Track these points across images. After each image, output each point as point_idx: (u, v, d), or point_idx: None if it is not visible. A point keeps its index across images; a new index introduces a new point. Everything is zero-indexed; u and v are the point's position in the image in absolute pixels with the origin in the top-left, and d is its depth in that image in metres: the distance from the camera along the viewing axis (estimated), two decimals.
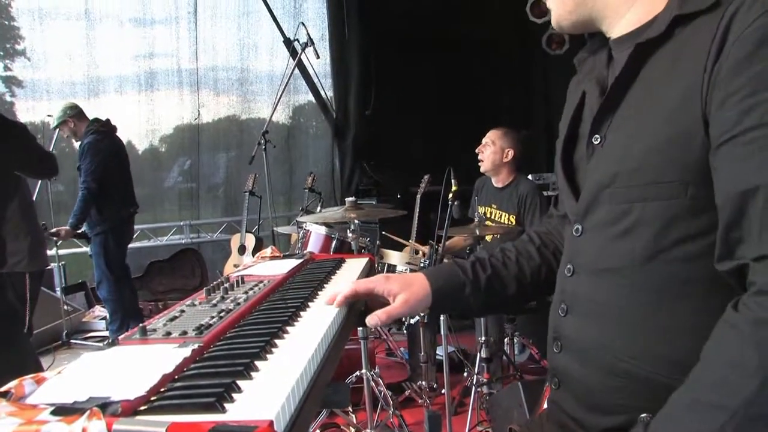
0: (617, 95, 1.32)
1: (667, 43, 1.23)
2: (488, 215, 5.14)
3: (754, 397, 0.99)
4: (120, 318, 6.30)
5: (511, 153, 4.98)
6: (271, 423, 0.87)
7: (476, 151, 5.14)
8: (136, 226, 7.56)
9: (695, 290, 1.17)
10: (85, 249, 6.78)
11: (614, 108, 1.32)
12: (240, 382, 1.05)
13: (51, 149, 6.36)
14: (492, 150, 5.04)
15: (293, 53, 7.69)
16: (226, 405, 0.96)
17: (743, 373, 1.01)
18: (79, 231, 6.07)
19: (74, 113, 6.21)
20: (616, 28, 1.38)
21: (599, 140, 1.36)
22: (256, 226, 7.53)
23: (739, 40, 1.11)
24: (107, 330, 6.57)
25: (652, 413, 1.24)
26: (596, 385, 1.34)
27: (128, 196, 6.41)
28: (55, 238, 6.04)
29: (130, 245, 7.35)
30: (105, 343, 1.30)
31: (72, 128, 6.22)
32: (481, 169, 5.16)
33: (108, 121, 6.34)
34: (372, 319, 1.54)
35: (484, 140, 5.12)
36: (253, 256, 5.92)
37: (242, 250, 6.95)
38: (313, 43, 6.76)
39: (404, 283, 1.62)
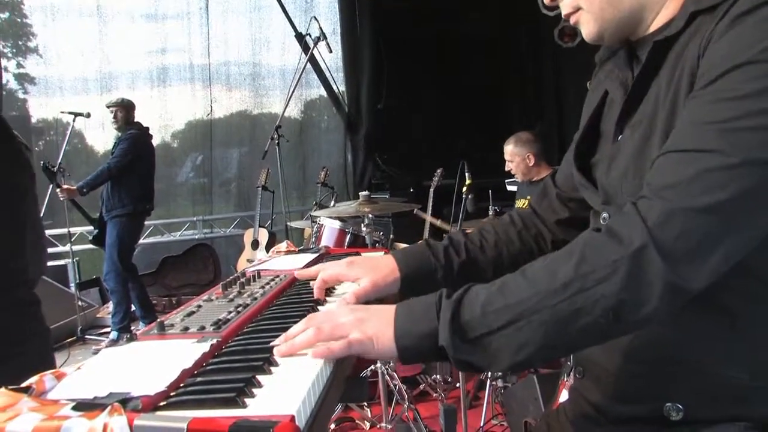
0: (638, 94, 1.30)
1: (681, 40, 1.21)
2: (524, 206, 5.22)
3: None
4: (123, 311, 6.47)
5: (532, 156, 5.12)
6: (292, 418, 0.87)
7: (506, 170, 5.34)
8: (148, 222, 7.66)
9: (718, 283, 1.16)
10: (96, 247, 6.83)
11: (636, 106, 1.31)
12: (260, 377, 1.05)
13: (65, 145, 6.50)
14: (515, 164, 5.22)
15: (305, 48, 7.68)
16: (247, 400, 0.96)
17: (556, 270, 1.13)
18: (84, 193, 6.42)
19: (133, 110, 6.72)
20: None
21: (622, 137, 1.35)
22: (270, 221, 7.54)
23: (716, 32, 1.12)
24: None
25: (677, 402, 1.23)
26: (621, 372, 1.33)
27: (148, 194, 6.71)
28: (60, 195, 6.29)
29: (143, 241, 7.43)
30: (124, 338, 1.30)
31: (123, 116, 6.60)
32: (520, 181, 5.38)
33: (148, 128, 6.83)
34: (341, 301, 1.52)
35: (506, 158, 5.28)
36: (267, 251, 5.93)
37: (255, 245, 6.97)
38: (325, 38, 6.74)
39: (370, 267, 1.59)
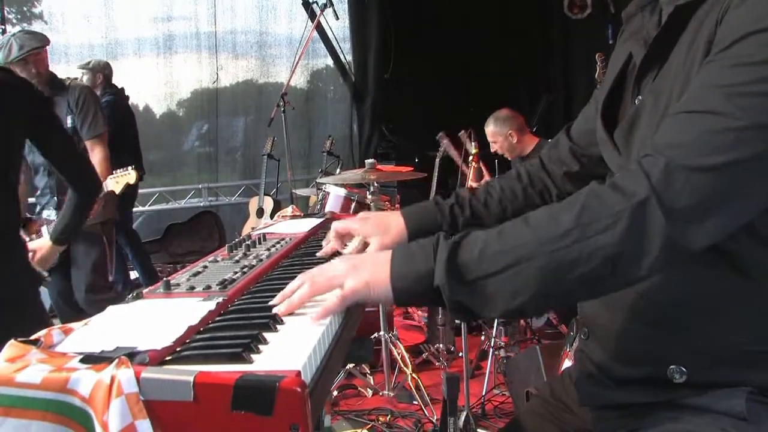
0: (656, 57, 1.30)
1: (704, 7, 1.20)
2: None
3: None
4: (122, 281, 6.24)
5: (513, 134, 5.02)
6: (298, 373, 0.87)
7: (492, 152, 5.23)
8: (153, 189, 7.58)
9: (725, 246, 1.16)
10: None
11: (654, 70, 1.31)
12: (266, 334, 1.06)
13: None
14: (499, 144, 5.13)
15: (312, 15, 7.63)
16: (253, 356, 0.97)
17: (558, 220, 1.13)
18: None
19: (107, 72, 6.21)
20: None
21: (641, 101, 1.34)
22: (275, 189, 7.53)
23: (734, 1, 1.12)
24: None
25: (681, 365, 1.24)
26: (625, 333, 1.34)
27: (137, 162, 6.08)
28: None
29: (148, 208, 7.35)
30: (130, 296, 1.30)
31: (95, 83, 6.07)
32: (511, 159, 5.24)
33: (123, 89, 6.40)
34: None
35: (489, 139, 5.18)
36: (272, 218, 5.92)
37: (260, 213, 6.96)
38: (332, 4, 6.69)
39: (380, 224, 1.62)
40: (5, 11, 7.63)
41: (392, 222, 1.64)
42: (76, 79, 4.99)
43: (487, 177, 5.04)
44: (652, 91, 1.30)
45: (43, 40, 4.39)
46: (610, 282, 1.13)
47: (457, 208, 1.68)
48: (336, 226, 1.64)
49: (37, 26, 8.19)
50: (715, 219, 1.08)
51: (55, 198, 4.28)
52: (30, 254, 3.21)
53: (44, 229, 3.99)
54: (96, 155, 4.44)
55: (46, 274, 3.38)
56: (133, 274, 6.62)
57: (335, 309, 1.18)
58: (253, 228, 2.36)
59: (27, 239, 3.44)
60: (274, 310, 1.19)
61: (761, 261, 1.20)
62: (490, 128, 5.10)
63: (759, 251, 1.19)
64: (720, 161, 1.05)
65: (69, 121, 4.44)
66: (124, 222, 6.33)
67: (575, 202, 1.14)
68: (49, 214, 4.26)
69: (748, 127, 1.05)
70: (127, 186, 4.37)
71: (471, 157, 4.43)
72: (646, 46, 1.34)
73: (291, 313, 1.19)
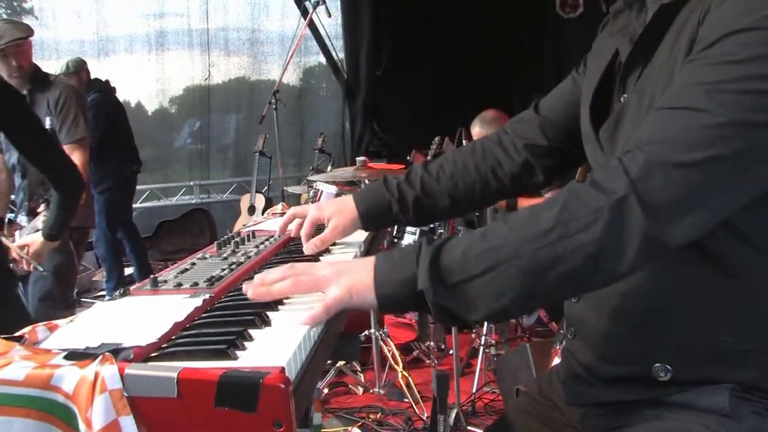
0: (641, 55, 1.31)
1: (688, 7, 1.21)
2: None
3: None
4: (116, 277, 6.20)
5: None
6: (282, 369, 0.87)
7: None
8: (145, 186, 7.55)
9: (707, 244, 1.17)
10: None
11: (638, 68, 1.32)
12: (251, 331, 1.06)
13: None
14: None
15: (304, 13, 7.62)
16: (237, 352, 0.97)
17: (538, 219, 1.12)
18: None
19: (86, 67, 5.98)
20: None
21: (626, 99, 1.34)
22: (266, 187, 7.52)
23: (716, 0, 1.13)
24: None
25: (666, 363, 1.24)
26: (610, 333, 1.34)
27: (132, 156, 6.24)
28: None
29: (139, 205, 7.31)
30: (118, 292, 1.30)
31: (81, 81, 5.82)
32: None
33: (108, 81, 6.20)
34: (309, 248, 1.60)
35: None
36: (263, 216, 5.91)
37: (252, 210, 6.95)
38: (324, 2, 6.68)
39: (335, 209, 1.65)
40: None
41: (342, 203, 1.67)
42: (61, 76, 4.88)
43: None
44: (637, 90, 1.30)
45: (27, 31, 4.21)
46: (593, 279, 1.13)
47: (406, 185, 1.68)
48: (304, 231, 1.66)
49: (27, 22, 8.13)
50: (695, 215, 1.08)
51: (26, 203, 4.00)
52: (25, 249, 3.20)
53: (18, 234, 3.85)
54: (74, 161, 3.80)
55: (41, 268, 3.35)
56: (128, 271, 6.61)
57: (321, 318, 1.17)
58: (244, 225, 2.36)
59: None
60: (249, 291, 1.20)
61: (743, 259, 1.20)
62: (476, 129, 5.08)
63: (740, 249, 1.19)
64: (700, 157, 1.05)
65: (48, 123, 4.21)
66: (125, 214, 6.34)
67: (555, 201, 1.13)
68: (21, 219, 4.00)
69: (728, 123, 1.05)
70: None
71: None
72: (632, 44, 1.35)
73: (278, 310, 1.19)
